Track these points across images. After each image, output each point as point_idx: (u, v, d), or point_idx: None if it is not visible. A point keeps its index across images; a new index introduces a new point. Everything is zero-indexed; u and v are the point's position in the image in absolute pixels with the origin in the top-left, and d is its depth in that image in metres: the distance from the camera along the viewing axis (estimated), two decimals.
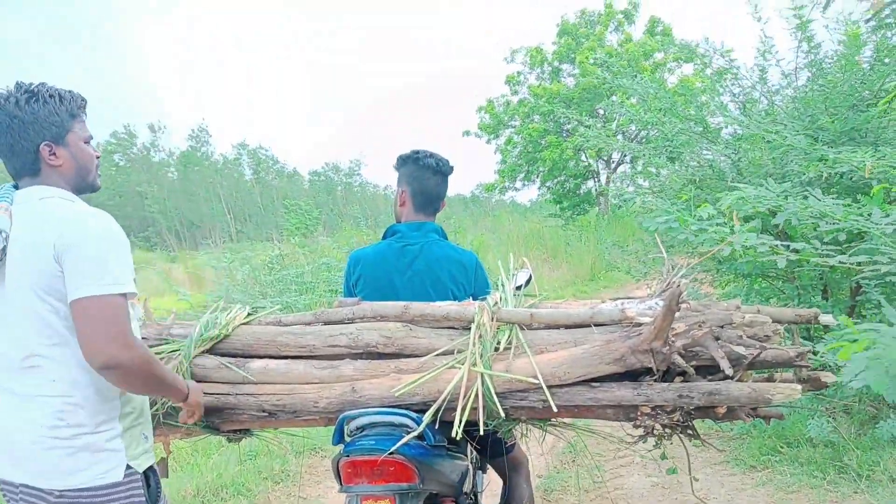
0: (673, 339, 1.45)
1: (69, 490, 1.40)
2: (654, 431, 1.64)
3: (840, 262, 2.07)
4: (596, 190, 19.32)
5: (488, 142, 20.02)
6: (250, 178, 44.62)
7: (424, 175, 2.19)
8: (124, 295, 1.39)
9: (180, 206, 36.88)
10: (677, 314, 1.50)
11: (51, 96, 1.48)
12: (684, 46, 5.06)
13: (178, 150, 42.12)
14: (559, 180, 19.01)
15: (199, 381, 1.77)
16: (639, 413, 1.57)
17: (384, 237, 2.22)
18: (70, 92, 1.54)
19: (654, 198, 3.84)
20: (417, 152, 2.22)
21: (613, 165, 19.04)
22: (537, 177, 19.51)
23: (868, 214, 2.19)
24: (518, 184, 20.14)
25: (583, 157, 18.48)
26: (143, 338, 1.92)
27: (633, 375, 1.59)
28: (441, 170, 2.22)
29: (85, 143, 1.55)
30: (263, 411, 1.76)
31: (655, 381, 1.56)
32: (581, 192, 19.43)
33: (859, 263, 2.05)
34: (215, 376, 1.78)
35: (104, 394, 1.46)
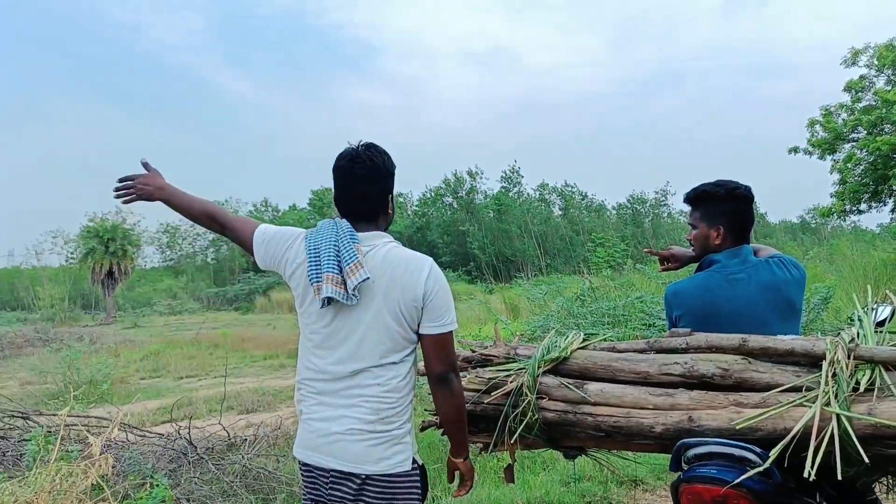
0: None
1: (375, 475, 1.72)
2: None
3: None
4: None
5: (821, 158, 17.54)
6: (558, 215, 46.44)
7: (741, 208, 2.10)
8: (453, 331, 1.79)
9: (496, 243, 40.09)
10: None
11: (388, 154, 1.86)
12: None
13: (491, 192, 45.96)
14: None
15: (541, 398, 1.98)
16: None
17: (699, 269, 2.17)
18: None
19: None
20: (732, 186, 2.10)
21: None
22: (889, 197, 16.42)
23: None
24: (862, 206, 17.19)
25: None
26: (492, 355, 2.23)
27: None
28: (751, 195, 2.11)
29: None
30: (601, 431, 1.88)
31: None
32: None
33: None
34: (556, 394, 1.97)
35: (409, 397, 1.81)
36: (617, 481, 3.77)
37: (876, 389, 1.47)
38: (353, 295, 1.70)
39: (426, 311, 1.74)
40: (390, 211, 1.88)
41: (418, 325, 1.76)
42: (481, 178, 45.90)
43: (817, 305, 7.33)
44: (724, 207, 2.10)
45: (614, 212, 48.23)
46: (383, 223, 1.87)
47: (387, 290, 1.73)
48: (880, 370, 1.50)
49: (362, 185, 1.80)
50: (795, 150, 18.00)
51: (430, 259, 1.80)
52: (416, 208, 49.37)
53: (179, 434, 4.94)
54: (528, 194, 46.77)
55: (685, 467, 1.69)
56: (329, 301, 1.71)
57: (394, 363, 1.76)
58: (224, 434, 5.44)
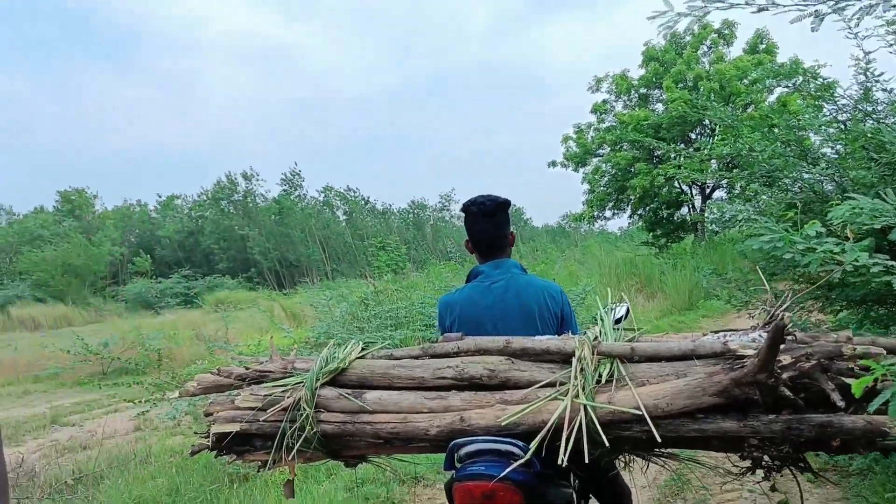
0: (779, 371, 1.46)
1: None
2: (763, 464, 1.64)
3: None
4: (690, 217, 18.70)
5: (575, 170, 19.89)
6: (343, 219, 46.37)
7: (476, 222, 2.33)
8: None
9: (279, 248, 38.77)
10: (783, 346, 1.51)
11: None
12: (769, 69, 4.92)
13: (270, 195, 44.39)
14: (651, 208, 18.56)
15: (320, 411, 1.94)
16: (746, 445, 1.57)
17: (468, 280, 2.36)
18: None
19: (755, 219, 3.73)
20: (467, 204, 2.34)
21: (708, 191, 18.42)
22: (627, 205, 19.15)
23: None
24: (607, 213, 19.84)
25: (676, 184, 18.02)
26: (268, 371, 2.12)
27: (740, 407, 1.59)
28: (486, 212, 2.32)
29: None
30: (380, 438, 1.89)
31: (763, 413, 1.56)
32: (675, 219, 18.88)
33: None
34: (335, 406, 1.94)
35: None
36: (399, 480, 3.86)
37: (614, 380, 1.67)
38: None
39: None
40: None
41: None
42: (257, 180, 44.06)
43: (575, 304, 8.28)
44: (466, 222, 2.36)
45: (398, 216, 49.59)
46: None
47: None
48: (617, 363, 1.70)
49: None
50: (554, 163, 20.18)
51: None
52: (189, 212, 45.81)
53: None
54: (311, 198, 46.06)
55: (458, 466, 1.76)
56: None
57: None
58: None
